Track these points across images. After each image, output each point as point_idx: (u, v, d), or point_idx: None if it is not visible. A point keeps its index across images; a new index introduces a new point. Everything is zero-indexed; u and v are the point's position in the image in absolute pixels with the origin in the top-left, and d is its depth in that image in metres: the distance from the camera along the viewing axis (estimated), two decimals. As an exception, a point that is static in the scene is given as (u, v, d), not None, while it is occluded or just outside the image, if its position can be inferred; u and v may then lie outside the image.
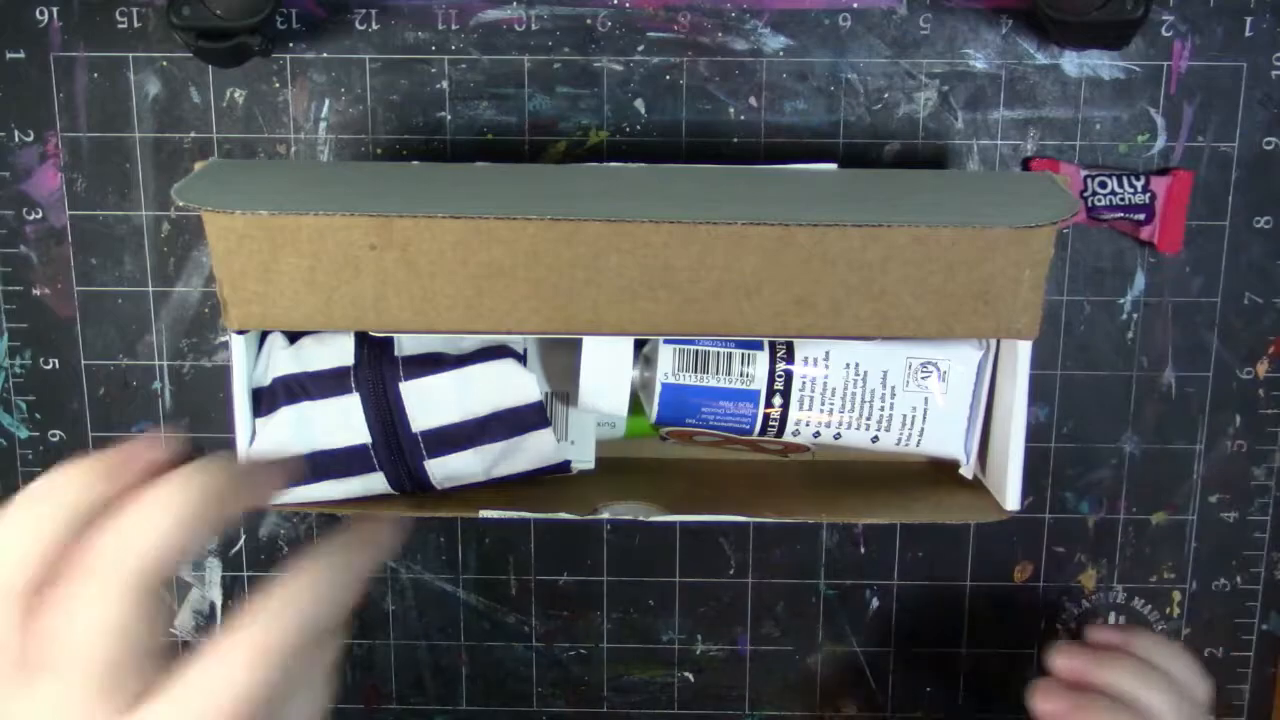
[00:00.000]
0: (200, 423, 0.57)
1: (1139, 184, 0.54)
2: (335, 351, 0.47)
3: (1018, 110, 0.54)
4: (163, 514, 0.33)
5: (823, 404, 0.48)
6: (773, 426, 0.48)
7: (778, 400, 0.48)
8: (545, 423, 0.48)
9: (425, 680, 0.61)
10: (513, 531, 0.59)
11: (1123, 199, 0.54)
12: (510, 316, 0.43)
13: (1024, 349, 0.46)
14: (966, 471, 0.50)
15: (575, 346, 0.48)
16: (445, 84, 0.54)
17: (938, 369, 0.48)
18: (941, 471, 0.52)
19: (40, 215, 0.55)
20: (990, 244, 0.42)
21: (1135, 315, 0.56)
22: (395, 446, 0.47)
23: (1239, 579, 0.58)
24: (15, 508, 0.33)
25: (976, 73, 0.54)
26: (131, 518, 0.33)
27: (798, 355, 0.48)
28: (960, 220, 0.42)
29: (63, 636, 0.32)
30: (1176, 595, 0.59)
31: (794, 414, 0.48)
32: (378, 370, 0.47)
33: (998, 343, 0.49)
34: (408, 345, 0.48)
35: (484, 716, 0.61)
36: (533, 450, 0.48)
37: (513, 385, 0.48)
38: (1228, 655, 0.59)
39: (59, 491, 0.33)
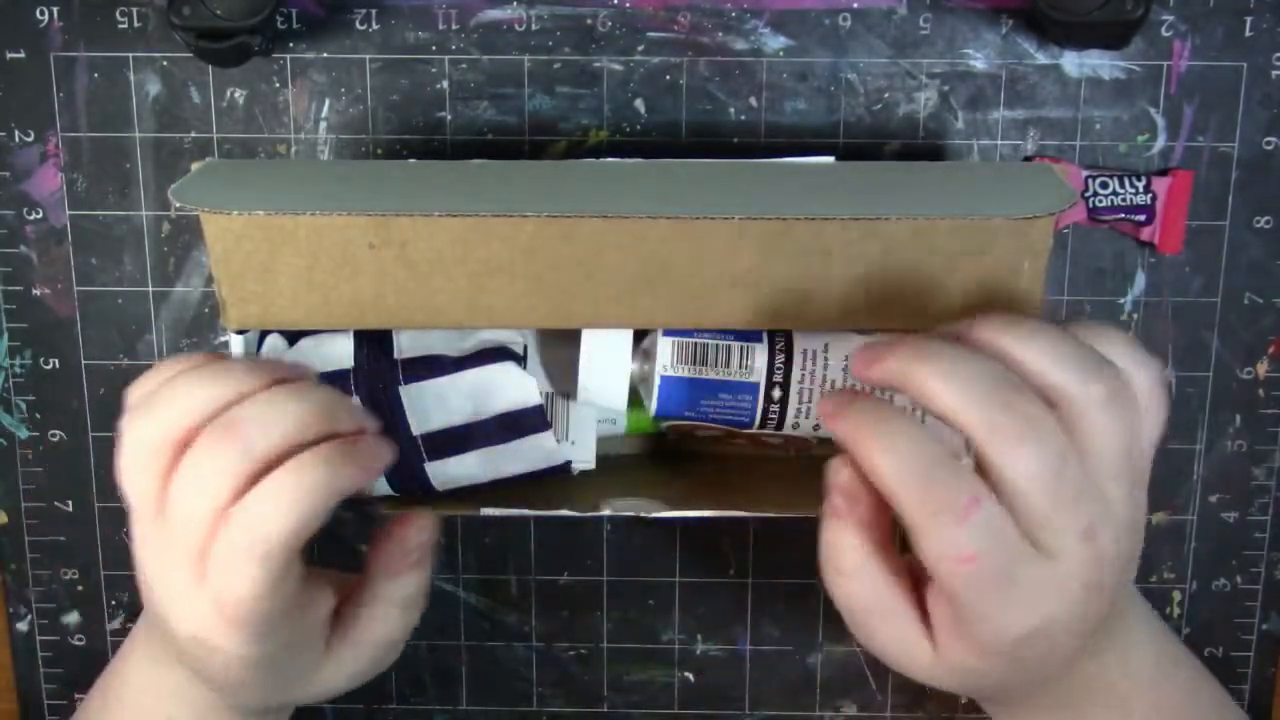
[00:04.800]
0: (200, 423, 0.57)
1: (1140, 184, 0.54)
2: (334, 355, 0.47)
3: (1018, 110, 0.54)
4: (282, 410, 0.38)
5: (823, 398, 0.48)
6: (772, 419, 0.48)
7: (777, 393, 0.48)
8: (545, 425, 0.48)
9: (425, 680, 0.61)
10: (513, 531, 0.59)
11: (1124, 199, 0.54)
12: (509, 312, 0.43)
13: None
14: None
15: (575, 344, 0.48)
16: (445, 84, 0.54)
17: None
18: None
19: (40, 215, 0.55)
20: (989, 236, 0.42)
21: (1135, 315, 0.56)
22: (395, 449, 0.47)
23: (1239, 579, 0.58)
24: (173, 385, 0.39)
25: (976, 73, 0.54)
26: (257, 407, 0.38)
27: (797, 348, 0.48)
28: (958, 212, 0.42)
29: (174, 496, 0.38)
30: (1176, 595, 0.59)
31: (794, 406, 0.48)
32: (377, 373, 0.47)
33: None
34: (406, 348, 0.48)
35: (484, 716, 0.61)
36: (533, 453, 0.48)
37: (512, 388, 0.48)
38: (1228, 655, 0.59)
39: (220, 372, 0.39)
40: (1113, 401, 0.36)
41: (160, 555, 0.40)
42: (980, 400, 0.35)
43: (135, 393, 0.41)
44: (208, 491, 0.38)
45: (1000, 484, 0.35)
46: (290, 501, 0.37)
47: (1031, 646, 0.38)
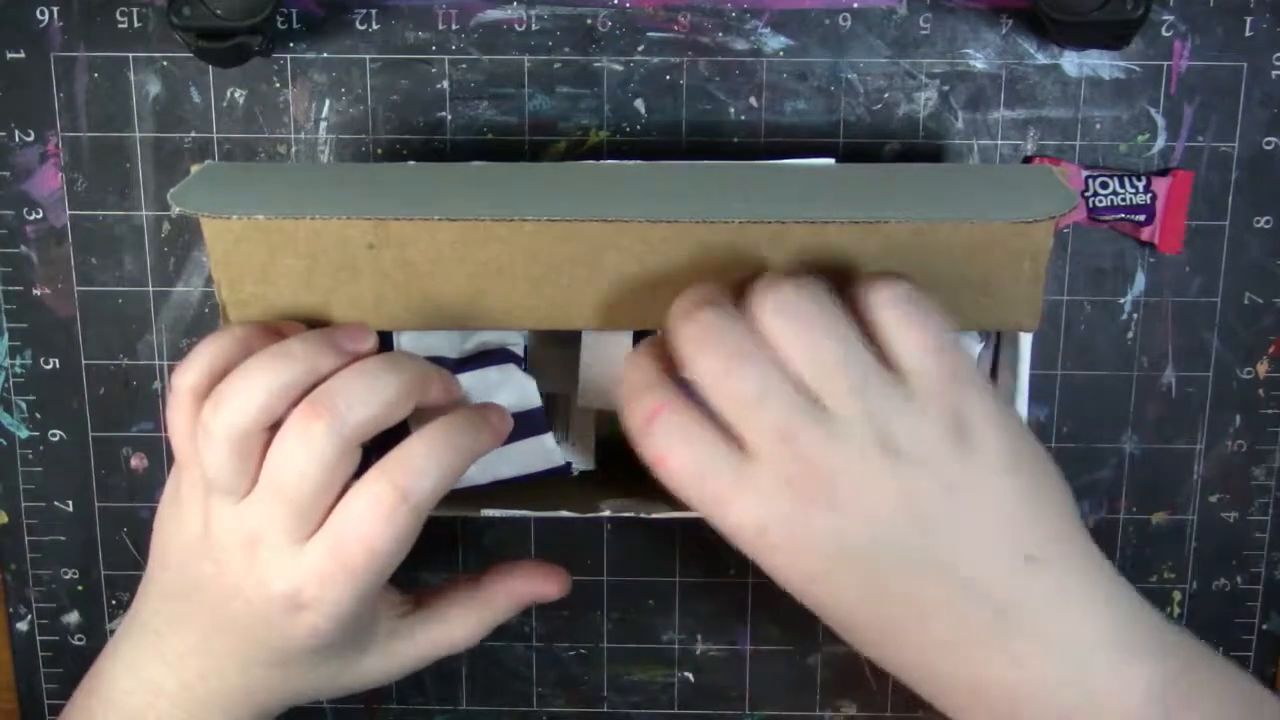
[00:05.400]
0: (200, 423, 0.57)
1: (1140, 184, 0.54)
2: None
3: (1018, 110, 0.54)
4: (377, 384, 0.40)
5: None
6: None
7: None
8: (545, 427, 0.48)
9: (425, 680, 0.61)
10: (513, 531, 0.59)
11: (1124, 199, 0.54)
12: (509, 314, 0.43)
13: (1024, 341, 0.46)
14: None
15: (574, 346, 0.48)
16: (445, 84, 0.54)
17: None
18: None
19: (40, 215, 0.55)
20: (989, 237, 0.42)
21: (1135, 315, 0.56)
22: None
23: (1239, 579, 0.58)
24: (259, 360, 0.40)
25: (976, 73, 0.54)
26: (350, 383, 0.40)
27: None
28: (958, 215, 0.42)
29: (275, 469, 0.40)
30: (1176, 595, 0.59)
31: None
32: None
33: (998, 336, 0.49)
34: (407, 349, 0.48)
35: (484, 716, 0.61)
36: (533, 454, 0.48)
37: (513, 390, 0.48)
38: (1228, 655, 0.59)
39: (297, 352, 0.40)
40: (782, 310, 0.37)
41: (249, 525, 0.41)
42: (676, 316, 0.39)
43: (187, 377, 0.41)
44: (314, 456, 0.39)
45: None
46: (438, 459, 0.40)
47: (772, 552, 0.39)
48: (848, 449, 0.37)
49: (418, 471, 0.40)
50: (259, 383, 0.40)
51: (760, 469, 0.37)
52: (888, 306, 0.38)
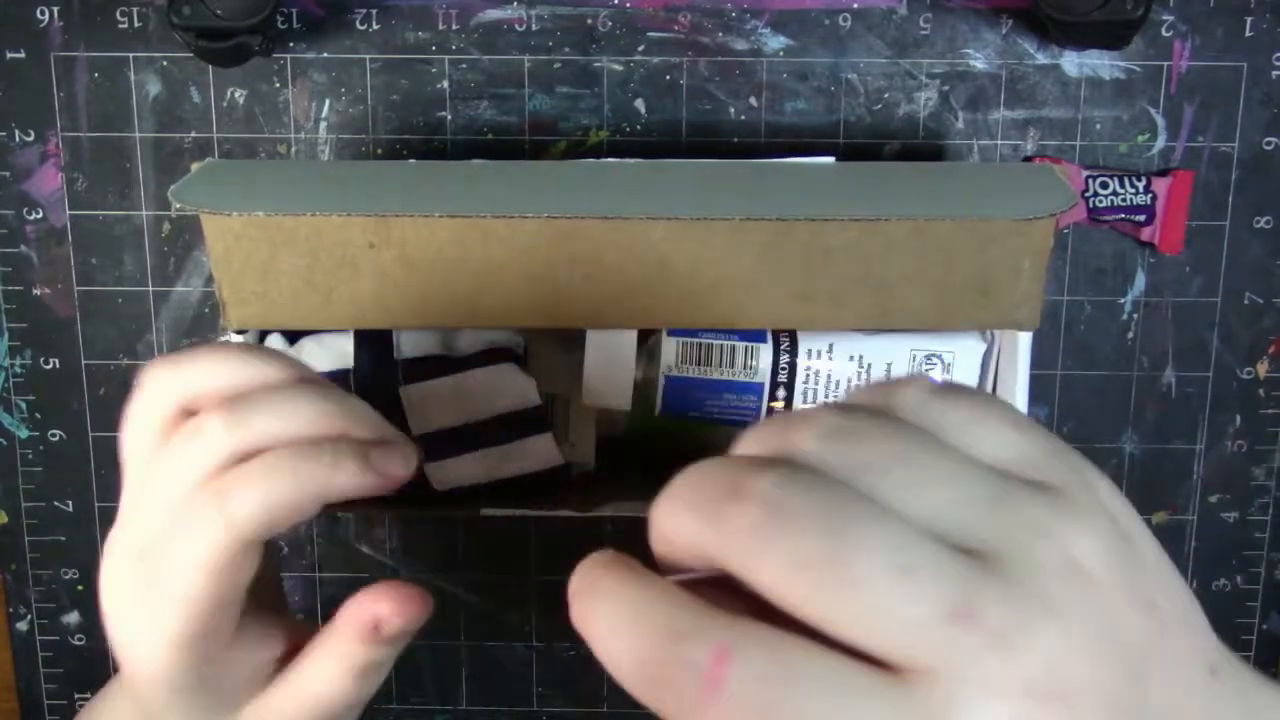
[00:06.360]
0: (200, 423, 0.57)
1: (1140, 184, 0.54)
2: (334, 355, 0.47)
3: (1018, 110, 0.54)
4: (280, 480, 0.34)
5: (826, 396, 0.48)
6: (776, 420, 0.48)
7: (781, 393, 0.48)
8: (545, 426, 0.48)
9: (425, 680, 0.61)
10: (513, 531, 0.59)
11: (1124, 200, 0.54)
12: (509, 313, 0.43)
13: (1024, 340, 0.47)
14: None
15: (574, 345, 0.48)
16: (445, 84, 0.54)
17: (942, 360, 0.48)
18: None
19: (40, 215, 0.55)
20: (989, 235, 0.42)
21: (1135, 315, 0.56)
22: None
23: (1239, 579, 0.58)
24: (194, 356, 0.35)
25: (976, 73, 0.54)
26: (252, 473, 0.34)
27: (801, 347, 0.48)
28: (959, 213, 0.42)
29: (164, 466, 0.35)
30: (1177, 595, 0.59)
31: (798, 406, 0.48)
32: (377, 374, 0.47)
33: (999, 336, 0.49)
34: (406, 348, 0.48)
35: (484, 716, 0.61)
36: (532, 454, 0.48)
37: (512, 389, 0.48)
38: (1228, 655, 0.59)
39: (237, 357, 0.35)
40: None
41: (114, 552, 0.36)
42: (686, 499, 0.25)
43: (165, 398, 0.36)
44: (190, 466, 0.34)
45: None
46: (269, 484, 0.34)
47: None
48: (1045, 590, 0.23)
49: (243, 491, 0.34)
50: (199, 363, 0.35)
51: (938, 690, 0.22)
52: (953, 410, 0.26)
